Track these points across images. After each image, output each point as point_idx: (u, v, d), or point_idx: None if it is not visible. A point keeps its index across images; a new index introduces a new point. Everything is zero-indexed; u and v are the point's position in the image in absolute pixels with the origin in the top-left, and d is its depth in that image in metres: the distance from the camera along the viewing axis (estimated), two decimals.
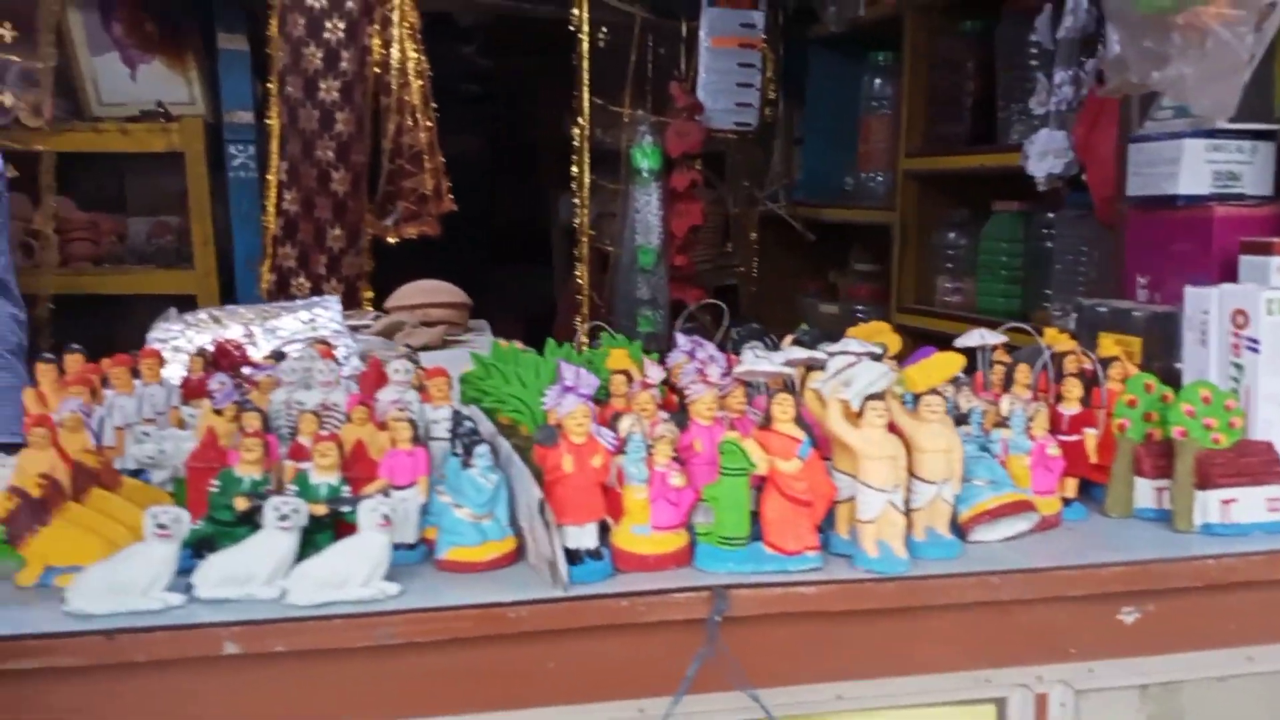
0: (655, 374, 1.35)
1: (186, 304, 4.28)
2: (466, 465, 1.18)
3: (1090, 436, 1.41)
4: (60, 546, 1.12)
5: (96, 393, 1.41)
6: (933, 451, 1.22)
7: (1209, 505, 1.31)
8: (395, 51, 3.57)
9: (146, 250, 4.36)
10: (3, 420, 2.55)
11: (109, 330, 4.50)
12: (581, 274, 3.88)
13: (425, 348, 2.94)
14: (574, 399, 1.15)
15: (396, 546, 1.17)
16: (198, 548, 1.15)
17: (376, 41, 3.56)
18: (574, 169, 3.86)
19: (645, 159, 3.83)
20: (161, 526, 1.05)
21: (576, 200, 3.91)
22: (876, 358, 1.43)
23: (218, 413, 1.37)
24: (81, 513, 1.17)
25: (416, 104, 3.59)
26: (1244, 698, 1.30)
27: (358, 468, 1.22)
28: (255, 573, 1.08)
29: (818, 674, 1.19)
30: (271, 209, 3.63)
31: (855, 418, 1.19)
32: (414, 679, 1.10)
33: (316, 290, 3.62)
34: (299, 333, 1.95)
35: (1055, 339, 1.61)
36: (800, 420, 1.20)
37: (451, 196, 3.71)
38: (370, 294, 3.67)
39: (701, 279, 4.19)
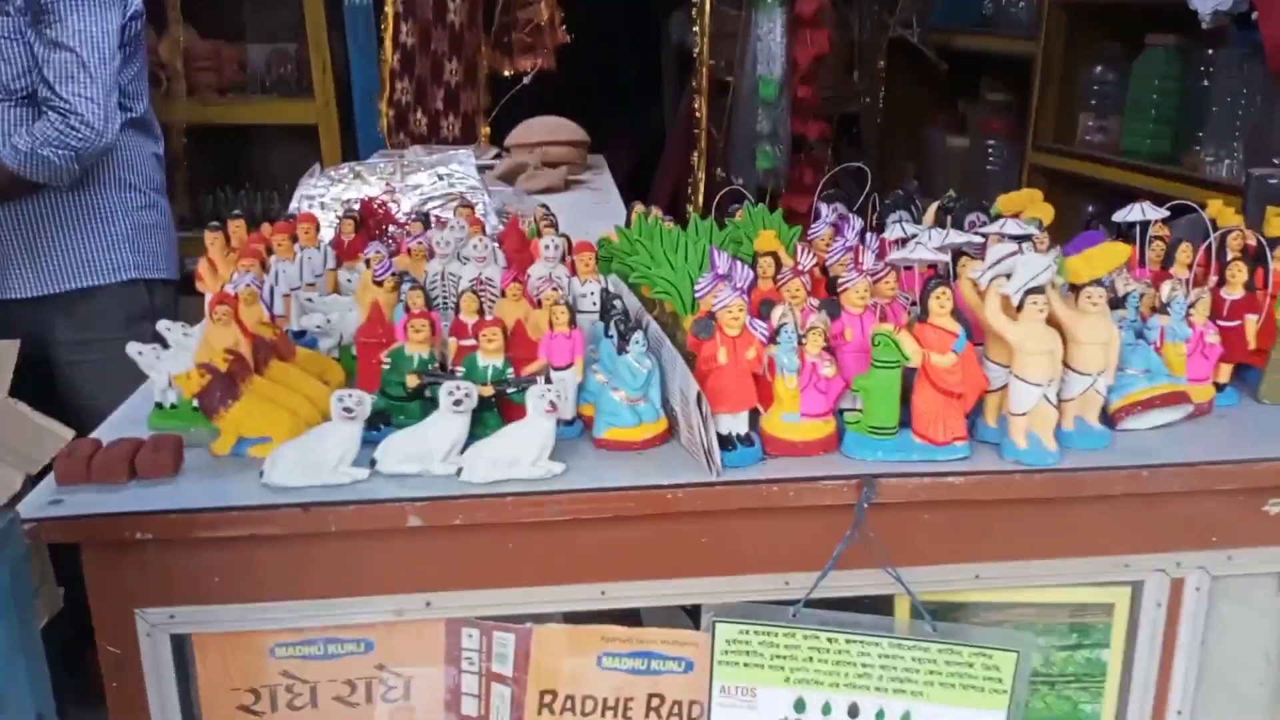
0: (806, 260, 1.34)
1: (309, 134, 4.37)
2: (622, 351, 1.22)
3: (1251, 322, 1.37)
4: (250, 419, 1.21)
5: (265, 263, 1.48)
6: (1090, 344, 1.21)
7: None
8: None
9: (267, 80, 4.41)
10: (156, 257, 2.69)
11: (238, 159, 4.63)
12: (700, 107, 3.79)
13: (547, 190, 2.97)
14: (729, 291, 1.17)
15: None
16: (372, 420, 1.23)
17: None
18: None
19: None
20: (347, 410, 1.13)
21: (696, 29, 3.77)
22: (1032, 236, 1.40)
23: (378, 284, 1.43)
24: (265, 385, 1.26)
25: None
26: None
27: (518, 349, 1.27)
28: (432, 451, 1.15)
29: (958, 556, 1.23)
30: (389, 42, 3.61)
31: (1013, 311, 1.18)
32: (578, 550, 1.18)
33: (434, 126, 3.63)
34: (436, 188, 1.99)
35: (1219, 212, 1.54)
36: (955, 310, 1.20)
37: (564, 27, 3.64)
38: (487, 130, 3.67)
39: (825, 107, 4.05)
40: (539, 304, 1.34)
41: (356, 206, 1.85)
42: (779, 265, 1.34)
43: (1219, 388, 1.37)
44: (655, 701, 1.24)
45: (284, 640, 1.18)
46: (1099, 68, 3.15)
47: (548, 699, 1.23)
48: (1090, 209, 3.18)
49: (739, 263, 1.22)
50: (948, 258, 1.29)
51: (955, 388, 1.18)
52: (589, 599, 1.20)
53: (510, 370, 1.23)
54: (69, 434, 2.43)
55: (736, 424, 1.19)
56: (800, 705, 1.22)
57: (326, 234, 1.75)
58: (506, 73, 3.60)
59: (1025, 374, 1.17)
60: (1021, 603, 1.28)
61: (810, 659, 1.21)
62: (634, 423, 1.22)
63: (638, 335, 1.21)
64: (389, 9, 3.56)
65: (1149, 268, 1.49)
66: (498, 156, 3.23)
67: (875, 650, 1.20)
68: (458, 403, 1.14)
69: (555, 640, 1.21)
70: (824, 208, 1.58)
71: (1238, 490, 1.23)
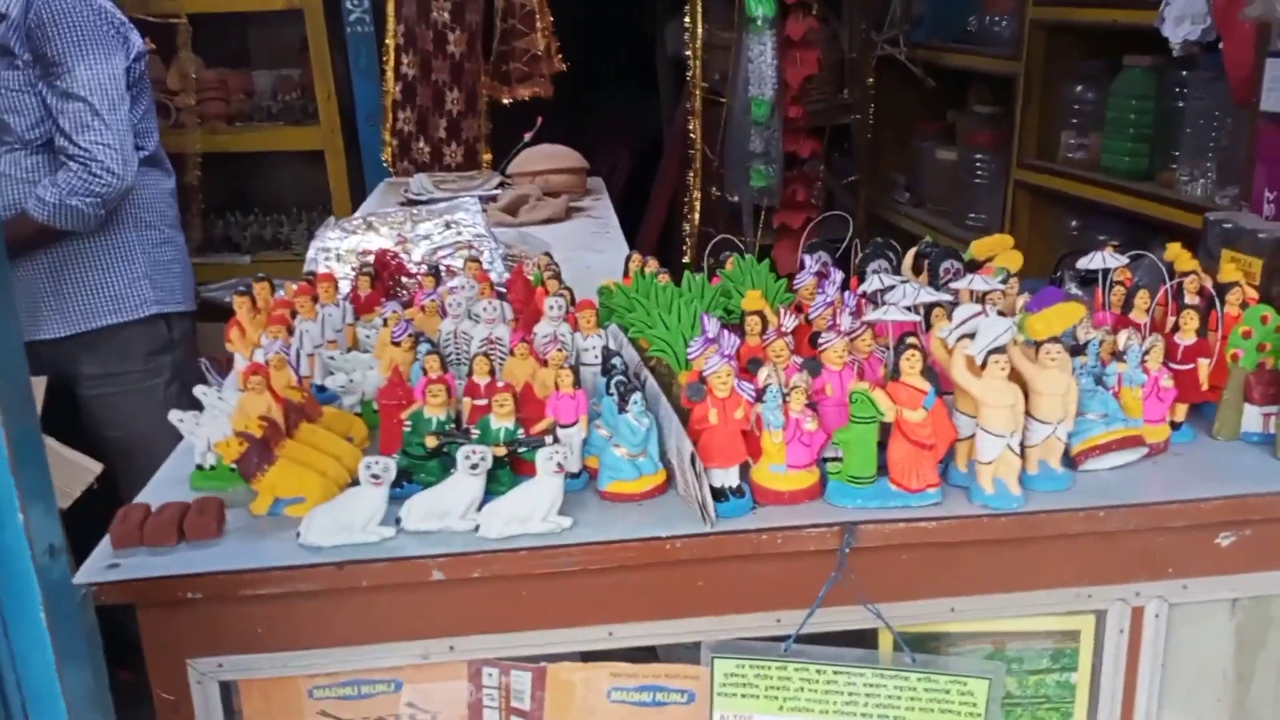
0: (789, 322, 1.46)
1: (315, 159, 4.47)
2: (622, 410, 1.34)
3: (1203, 365, 1.48)
4: (285, 481, 1.33)
5: (289, 327, 1.59)
6: (1050, 395, 1.32)
7: None
8: None
9: (273, 107, 4.51)
10: (174, 290, 2.80)
11: (247, 185, 4.74)
12: (694, 129, 3.89)
13: (550, 220, 3.08)
14: (717, 358, 1.28)
15: None
16: (395, 478, 1.35)
17: None
18: (686, 20, 3.82)
19: (760, 6, 3.77)
20: (375, 476, 1.25)
21: (689, 51, 3.87)
22: (1004, 281, 1.52)
23: (396, 344, 1.54)
24: (297, 449, 1.37)
25: None
26: None
27: (527, 408, 1.38)
28: (451, 509, 1.27)
29: (934, 592, 1.34)
30: (390, 73, 3.71)
31: (978, 368, 1.29)
32: (584, 594, 1.29)
33: (436, 154, 3.74)
34: (445, 237, 2.10)
35: (1177, 255, 1.65)
36: (927, 367, 1.31)
37: (560, 56, 3.74)
38: (489, 156, 3.78)
39: (817, 120, 4.16)
40: (545, 362, 1.46)
41: (370, 259, 1.97)
42: (765, 324, 1.45)
43: (1175, 427, 1.48)
44: None
45: (321, 683, 1.30)
46: (1079, 87, 3.25)
47: None
48: (1073, 224, 3.29)
49: (726, 330, 1.33)
50: (919, 316, 1.41)
51: (926, 440, 1.29)
52: (598, 639, 1.31)
53: (520, 430, 1.35)
54: (97, 468, 2.56)
55: (728, 477, 1.30)
56: None
57: (343, 285, 1.87)
58: (506, 101, 3.70)
59: (990, 426, 1.29)
60: (995, 632, 1.39)
61: (801, 689, 1.32)
62: (634, 476, 1.34)
63: (636, 396, 1.33)
64: (389, 41, 3.67)
65: (1110, 311, 1.60)
66: (501, 185, 3.33)
67: (860, 680, 1.32)
68: (474, 466, 1.26)
69: (568, 677, 1.33)
70: (808, 258, 1.69)
71: (1190, 526, 1.35)
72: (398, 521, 1.28)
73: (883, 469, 1.32)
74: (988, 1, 3.72)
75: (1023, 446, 1.33)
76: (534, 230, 2.93)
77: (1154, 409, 1.43)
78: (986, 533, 1.30)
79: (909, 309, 1.40)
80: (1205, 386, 1.48)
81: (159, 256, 2.75)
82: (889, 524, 1.28)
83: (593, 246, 2.79)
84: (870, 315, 1.40)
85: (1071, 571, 1.35)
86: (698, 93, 3.87)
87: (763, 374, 1.34)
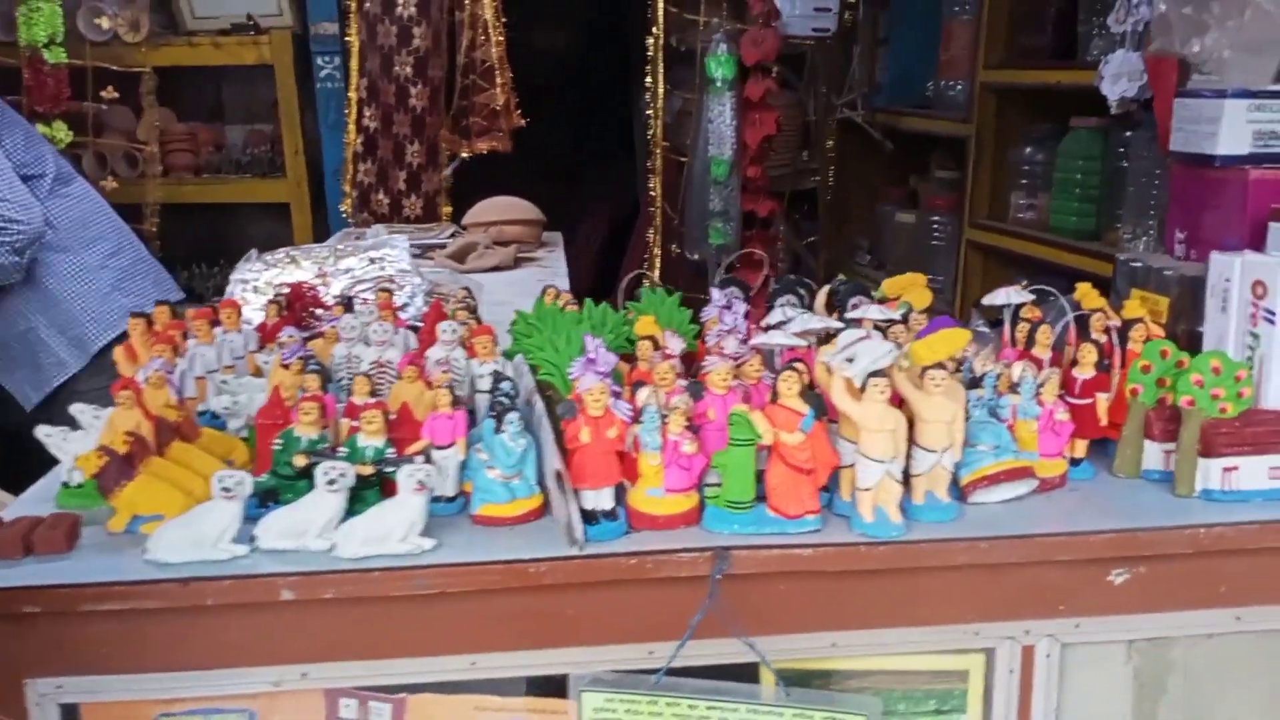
0: (675, 344, 1.43)
1: (282, 211, 4.49)
2: (498, 430, 1.30)
3: (1102, 400, 1.45)
4: (145, 498, 1.28)
5: (178, 348, 1.56)
6: (935, 422, 1.28)
7: (1210, 472, 1.35)
8: None
9: (243, 159, 4.54)
10: (147, 291, 2.78)
11: (214, 236, 4.75)
12: (655, 186, 3.91)
13: (497, 268, 3.07)
14: (592, 376, 1.25)
15: (437, 499, 1.31)
16: (263, 498, 1.31)
17: None
18: (648, 80, 3.87)
19: (720, 68, 3.81)
20: (226, 489, 1.20)
21: (650, 112, 3.91)
22: (902, 317, 1.50)
23: (285, 367, 1.51)
24: (163, 466, 1.33)
25: (488, 19, 3.63)
26: (1232, 655, 1.36)
27: (404, 429, 1.34)
28: (309, 528, 1.22)
29: (814, 625, 1.29)
30: (352, 126, 3.74)
31: (857, 391, 1.26)
32: (446, 621, 1.24)
33: (396, 206, 3.75)
34: (368, 271, 2.08)
35: (1085, 294, 1.63)
36: (811, 390, 1.28)
37: (520, 112, 3.77)
38: (449, 209, 3.79)
39: (779, 183, 4.18)
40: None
41: (286, 290, 1.95)
42: (657, 349, 1.43)
43: (1075, 463, 1.44)
44: None
45: (168, 710, 1.24)
46: (1028, 148, 3.27)
47: None
48: (1023, 283, 3.28)
49: (604, 350, 1.30)
50: (805, 342, 1.38)
51: (805, 464, 1.25)
52: (459, 670, 1.26)
53: (391, 450, 1.31)
54: (8, 499, 2.51)
55: (600, 499, 1.26)
56: None
57: (259, 316, 1.85)
58: (464, 154, 3.73)
59: (869, 451, 1.25)
60: (881, 670, 1.34)
61: None
62: (507, 499, 1.29)
63: (511, 415, 1.29)
64: (352, 94, 3.70)
65: (1016, 349, 1.57)
66: (454, 235, 3.33)
67: (734, 715, 1.26)
68: (331, 481, 1.22)
69: (429, 709, 1.27)
70: (716, 292, 1.67)
71: (1080, 560, 1.30)
72: (253, 540, 1.23)
73: (763, 496, 1.28)
74: (943, 66, 3.77)
75: (909, 475, 1.30)
76: (480, 277, 2.91)
77: (1049, 443, 1.40)
78: (865, 562, 1.26)
79: (799, 335, 1.38)
80: (1104, 421, 1.45)
81: (118, 264, 2.74)
82: (764, 550, 1.24)
83: (535, 293, 2.77)
84: (756, 339, 1.37)
85: (958, 607, 1.31)
86: (658, 151, 3.89)
87: (642, 395, 1.31)
